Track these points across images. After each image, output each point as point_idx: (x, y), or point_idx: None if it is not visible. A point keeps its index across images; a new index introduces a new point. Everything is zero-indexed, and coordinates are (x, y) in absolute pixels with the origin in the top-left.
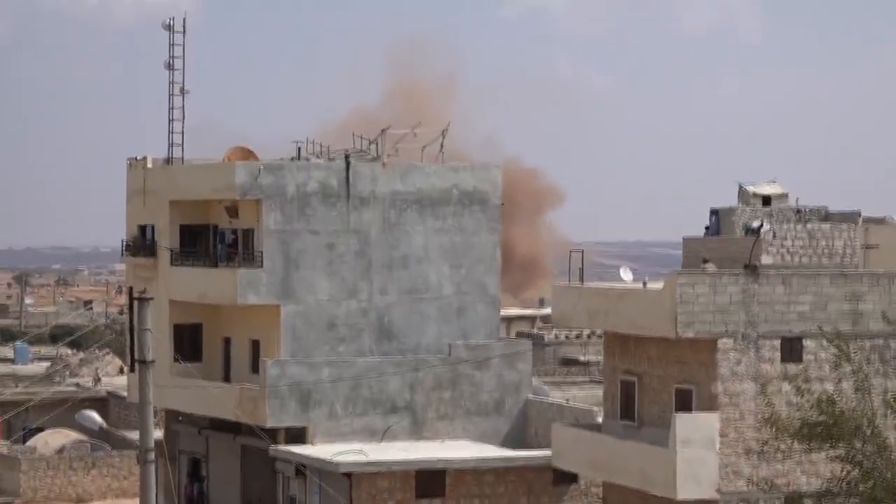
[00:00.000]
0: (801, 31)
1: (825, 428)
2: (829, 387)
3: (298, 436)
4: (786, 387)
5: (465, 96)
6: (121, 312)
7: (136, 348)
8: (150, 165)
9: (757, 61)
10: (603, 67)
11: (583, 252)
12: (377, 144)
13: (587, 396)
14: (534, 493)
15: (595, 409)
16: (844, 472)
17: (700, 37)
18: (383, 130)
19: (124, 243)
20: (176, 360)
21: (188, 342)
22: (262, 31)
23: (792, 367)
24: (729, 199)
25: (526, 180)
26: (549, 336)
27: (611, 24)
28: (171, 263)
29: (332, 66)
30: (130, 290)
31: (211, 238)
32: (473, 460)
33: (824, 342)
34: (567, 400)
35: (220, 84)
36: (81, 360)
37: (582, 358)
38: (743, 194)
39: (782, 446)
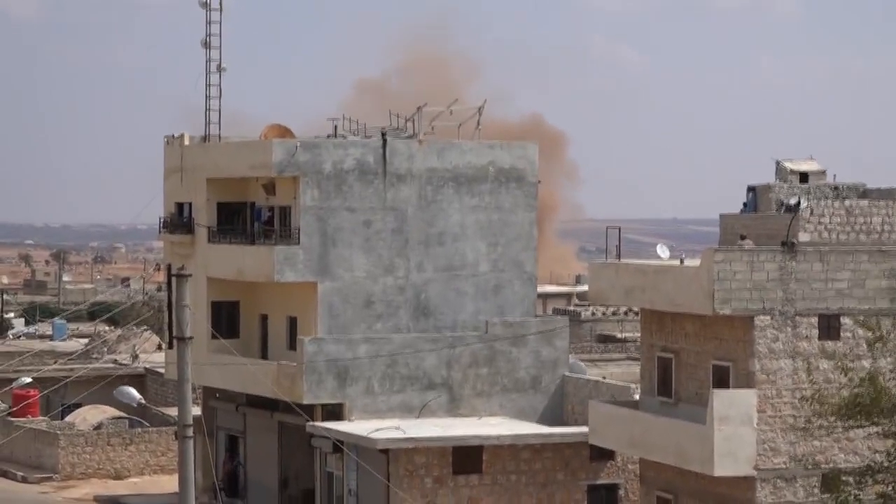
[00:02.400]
0: (838, 5)
1: (867, 405)
2: (867, 364)
3: (335, 412)
4: (823, 364)
5: (496, 73)
6: (158, 289)
7: (174, 325)
8: (187, 143)
9: (793, 36)
10: (637, 44)
11: (619, 229)
12: (413, 122)
13: (624, 373)
14: (570, 469)
15: (632, 385)
16: (887, 450)
17: (736, 10)
18: (419, 108)
19: (162, 221)
20: (214, 336)
21: (225, 319)
22: (296, 10)
23: (829, 345)
24: (766, 176)
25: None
26: (585, 313)
27: (647, 2)
28: (209, 241)
29: (362, 44)
30: (169, 267)
31: (248, 215)
32: (510, 437)
33: (860, 319)
34: (604, 377)
35: (254, 62)
36: (119, 336)
37: (619, 335)
38: (780, 171)
39: (823, 423)
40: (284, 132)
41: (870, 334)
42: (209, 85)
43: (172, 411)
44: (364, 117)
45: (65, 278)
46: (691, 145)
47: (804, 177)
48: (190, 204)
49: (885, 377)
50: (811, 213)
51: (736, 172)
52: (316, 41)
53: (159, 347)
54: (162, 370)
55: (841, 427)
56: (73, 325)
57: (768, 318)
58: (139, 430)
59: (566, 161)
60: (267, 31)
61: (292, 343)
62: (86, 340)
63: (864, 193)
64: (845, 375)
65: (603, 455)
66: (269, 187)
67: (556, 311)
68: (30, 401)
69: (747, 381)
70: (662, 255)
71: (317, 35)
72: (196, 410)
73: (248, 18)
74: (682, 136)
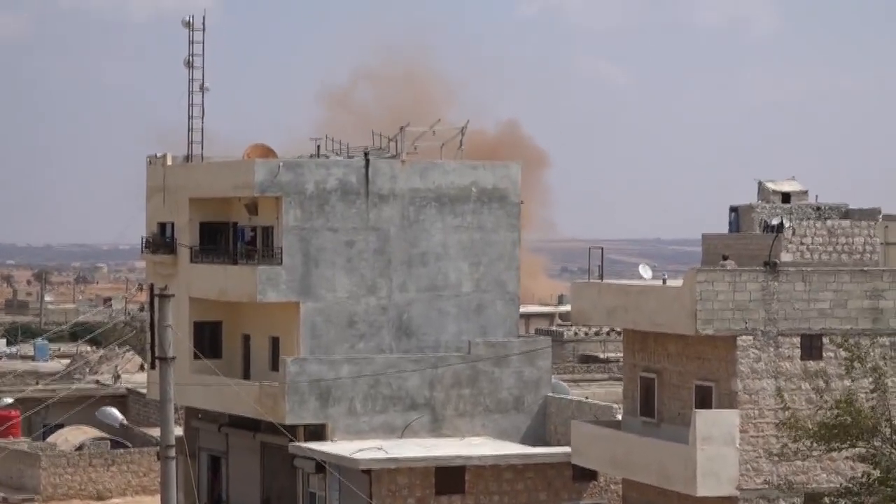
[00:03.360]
0: (819, 25)
1: (843, 428)
2: (850, 383)
3: (318, 433)
4: (805, 384)
5: (480, 91)
6: (141, 309)
7: (156, 345)
8: (169, 163)
9: (774, 55)
10: (619, 63)
11: (602, 249)
12: (396, 142)
13: (606, 393)
14: (553, 489)
15: (614, 405)
16: (864, 472)
17: (716, 30)
18: (402, 128)
19: (144, 240)
20: (196, 357)
21: (208, 339)
22: (279, 28)
23: (812, 365)
24: (748, 197)
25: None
26: (568, 333)
27: (626, 20)
28: (191, 261)
29: (346, 62)
30: (151, 287)
31: (230, 235)
32: (493, 457)
33: (838, 341)
34: (586, 397)
35: (237, 82)
36: (101, 357)
37: (601, 355)
38: (763, 191)
39: (801, 447)
40: (267, 152)
41: (848, 355)
42: (192, 104)
43: (155, 432)
44: (344, 136)
45: (47, 298)
46: (674, 165)
47: (786, 197)
48: (172, 224)
49: (864, 398)
50: (793, 234)
51: (718, 193)
52: (295, 60)
53: (141, 368)
54: (144, 391)
55: (818, 451)
56: (54, 346)
57: (751, 338)
58: (121, 450)
59: (540, 176)
60: (245, 51)
61: (275, 363)
62: (68, 361)
63: (846, 214)
64: (821, 398)
65: (585, 475)
66: (252, 207)
67: (539, 332)
68: (12, 422)
69: (730, 402)
70: (645, 276)
71: (295, 54)
72: (178, 431)
73: (229, 38)
74: (665, 156)
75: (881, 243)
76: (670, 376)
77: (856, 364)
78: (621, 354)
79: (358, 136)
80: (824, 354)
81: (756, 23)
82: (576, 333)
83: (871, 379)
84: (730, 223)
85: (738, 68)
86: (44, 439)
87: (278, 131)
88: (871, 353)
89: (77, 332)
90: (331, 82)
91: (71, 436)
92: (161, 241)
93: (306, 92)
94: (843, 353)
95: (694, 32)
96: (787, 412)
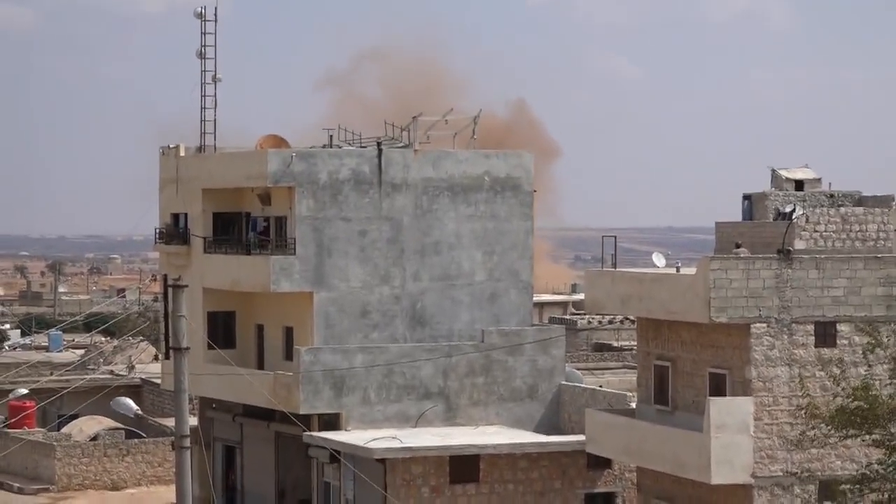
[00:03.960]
0: (831, 16)
1: (860, 414)
2: (863, 371)
3: (332, 422)
4: (819, 372)
5: (491, 84)
6: (154, 300)
7: (170, 336)
8: (182, 154)
9: (787, 47)
10: (632, 55)
11: (615, 238)
12: (409, 131)
13: (620, 382)
14: (568, 478)
15: (628, 394)
16: (879, 459)
17: (730, 23)
18: (415, 117)
19: (157, 231)
20: (210, 347)
21: (222, 330)
22: (288, 21)
23: (826, 352)
24: (762, 185)
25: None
26: (582, 321)
27: (638, 12)
28: (205, 251)
29: (352, 52)
30: (165, 277)
31: (244, 226)
32: (507, 446)
33: (859, 326)
34: (600, 385)
35: (249, 73)
36: (115, 347)
37: (615, 343)
38: (776, 179)
39: (818, 433)
40: (280, 142)
41: (867, 340)
42: (204, 95)
43: (169, 422)
44: (352, 126)
45: (61, 289)
46: (687, 154)
47: (800, 185)
48: (186, 214)
49: (880, 385)
50: (807, 221)
51: (732, 181)
52: (302, 50)
53: (156, 358)
54: (158, 381)
55: (835, 437)
56: (69, 337)
57: (765, 325)
58: (136, 441)
59: (547, 163)
60: (258, 42)
61: (289, 353)
62: (82, 351)
63: (860, 201)
64: (837, 385)
65: (600, 463)
66: (265, 197)
67: (553, 320)
68: (26, 412)
69: (744, 389)
70: (658, 264)
71: (302, 44)
72: (193, 421)
73: (241, 29)
74: (678, 145)
75: (895, 230)
76: (684, 364)
77: (874, 350)
78: (635, 343)
79: (367, 126)
80: (838, 342)
81: (768, 16)
82: (589, 322)
83: (887, 366)
84: (743, 211)
85: (751, 59)
86: (58, 430)
87: (287, 122)
88: (888, 340)
89: (91, 323)
90: (335, 70)
91: (86, 426)
92: (174, 232)
93: (314, 82)
94: (859, 340)
95: (705, 25)
96: (804, 399)
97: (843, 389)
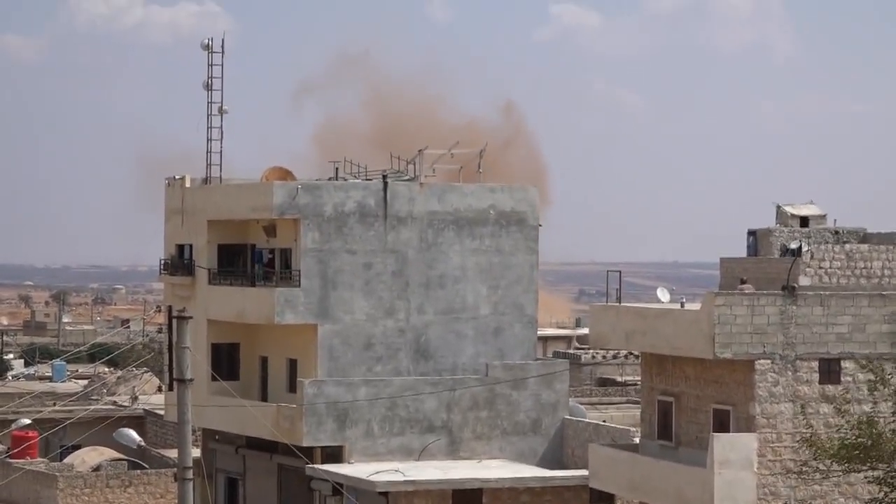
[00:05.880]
0: (836, 50)
1: (864, 449)
2: (867, 408)
3: (335, 455)
4: (824, 408)
5: (493, 113)
6: (159, 331)
7: (174, 367)
8: (188, 185)
9: (791, 81)
10: (637, 87)
11: (620, 273)
12: (414, 164)
13: (624, 417)
14: None
15: (632, 429)
16: (883, 494)
17: (733, 56)
18: (420, 151)
19: (162, 262)
20: (214, 378)
21: (226, 361)
22: (296, 51)
23: (830, 389)
24: (766, 220)
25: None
26: (585, 356)
27: (644, 45)
28: (209, 283)
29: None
30: (169, 308)
31: (248, 257)
32: (510, 480)
33: (862, 363)
34: (604, 420)
35: (257, 103)
36: (119, 378)
37: (619, 378)
38: (781, 215)
39: (821, 467)
40: (285, 174)
41: (871, 377)
42: (210, 127)
43: (172, 453)
44: (365, 161)
45: (64, 319)
46: (692, 189)
47: (804, 221)
48: (190, 246)
49: (884, 421)
50: (811, 258)
51: (736, 216)
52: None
53: (159, 389)
54: (161, 412)
55: (838, 472)
56: (72, 367)
57: (769, 362)
58: (138, 472)
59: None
60: (262, 72)
61: (292, 385)
62: (85, 382)
63: (865, 238)
64: (842, 418)
65: (603, 498)
66: (270, 229)
67: (557, 354)
68: (29, 442)
69: (748, 425)
70: (663, 299)
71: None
72: (196, 452)
73: (245, 61)
74: (683, 180)
75: None
76: (688, 400)
77: (878, 387)
78: (639, 378)
79: (372, 158)
80: (842, 379)
81: (773, 48)
82: (593, 356)
83: (891, 403)
84: (748, 247)
85: (756, 92)
86: (61, 460)
87: (289, 155)
88: (892, 377)
89: (95, 354)
90: (334, 112)
91: (88, 457)
92: (179, 263)
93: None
94: (864, 377)
95: (710, 57)
96: (809, 429)
97: (847, 423)
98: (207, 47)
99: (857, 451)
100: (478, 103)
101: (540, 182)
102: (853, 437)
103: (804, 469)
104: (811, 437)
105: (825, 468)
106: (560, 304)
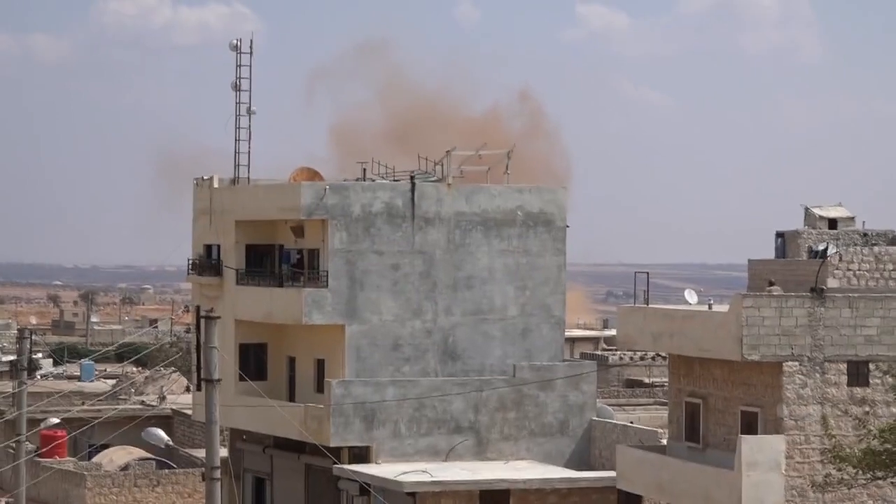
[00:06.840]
0: (865, 51)
1: (889, 455)
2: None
3: (362, 455)
4: (853, 409)
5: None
6: (186, 331)
7: (202, 367)
8: (216, 185)
9: (820, 82)
10: (665, 89)
11: (647, 274)
12: (442, 165)
13: (651, 418)
14: None
15: (660, 430)
16: None
17: (762, 57)
18: (448, 151)
19: (190, 262)
20: (241, 378)
21: (253, 361)
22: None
23: (858, 391)
24: (795, 222)
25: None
26: (613, 357)
27: (672, 46)
28: (237, 283)
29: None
30: (197, 309)
31: (276, 258)
32: (537, 481)
33: (884, 368)
34: (631, 421)
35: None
36: (147, 378)
37: (646, 380)
38: (809, 217)
39: (845, 476)
40: (313, 175)
41: (891, 381)
42: (238, 128)
43: (200, 453)
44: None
45: (93, 319)
46: (720, 190)
47: (833, 223)
48: (218, 246)
49: None
50: (840, 260)
51: (765, 218)
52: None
53: (187, 389)
54: (189, 412)
55: (863, 479)
56: (100, 367)
57: (797, 364)
58: (166, 471)
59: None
60: (288, 73)
61: (320, 385)
62: (113, 381)
63: (894, 240)
64: (864, 427)
65: (630, 500)
66: (298, 230)
67: (584, 356)
68: (58, 442)
69: (776, 428)
70: (690, 301)
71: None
72: (223, 452)
73: (275, 62)
74: (710, 181)
75: None
76: (716, 402)
77: None
78: (666, 379)
79: (388, 150)
80: (871, 381)
81: (802, 49)
82: (621, 358)
83: None
84: (776, 249)
85: (785, 93)
86: (89, 459)
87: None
88: None
89: (123, 353)
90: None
91: (116, 456)
92: (207, 264)
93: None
94: (891, 380)
95: (739, 58)
96: (831, 441)
97: (870, 432)
98: (236, 48)
99: (884, 458)
100: (499, 98)
101: (565, 181)
102: (879, 444)
103: (828, 480)
104: (834, 447)
105: (850, 477)
106: (581, 300)
